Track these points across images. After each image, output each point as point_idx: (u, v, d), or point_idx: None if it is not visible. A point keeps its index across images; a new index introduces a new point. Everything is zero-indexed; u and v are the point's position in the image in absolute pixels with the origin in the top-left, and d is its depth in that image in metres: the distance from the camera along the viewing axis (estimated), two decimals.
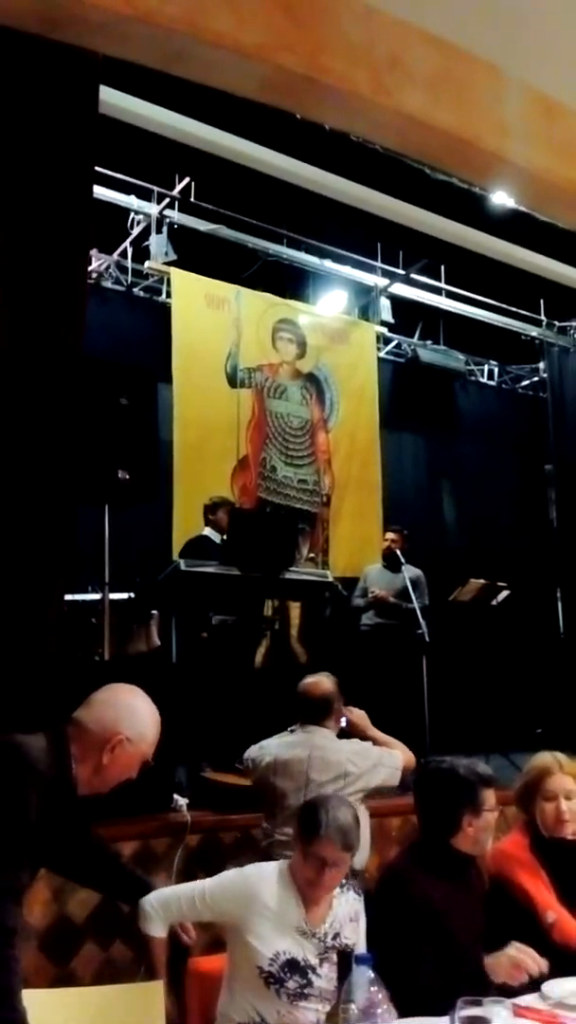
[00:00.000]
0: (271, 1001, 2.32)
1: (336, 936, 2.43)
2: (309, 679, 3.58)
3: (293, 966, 2.34)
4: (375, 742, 3.56)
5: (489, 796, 2.63)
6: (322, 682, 3.55)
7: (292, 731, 3.52)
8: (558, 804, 2.76)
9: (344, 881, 2.51)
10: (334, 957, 2.33)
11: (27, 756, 2.04)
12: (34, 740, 2.10)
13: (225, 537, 5.53)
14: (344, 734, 3.58)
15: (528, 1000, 2.17)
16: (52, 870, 2.59)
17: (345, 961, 1.71)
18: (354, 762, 3.38)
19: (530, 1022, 2.03)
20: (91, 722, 2.17)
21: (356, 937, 2.47)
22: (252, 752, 3.54)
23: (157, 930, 2.42)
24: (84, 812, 2.31)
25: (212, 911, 2.45)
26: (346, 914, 2.48)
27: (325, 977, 2.35)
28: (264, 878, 2.46)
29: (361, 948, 2.42)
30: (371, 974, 1.67)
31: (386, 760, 3.46)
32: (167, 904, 2.44)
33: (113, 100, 5.46)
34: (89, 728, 2.16)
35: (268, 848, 3.34)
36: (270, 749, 3.47)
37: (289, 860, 2.50)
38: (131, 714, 2.21)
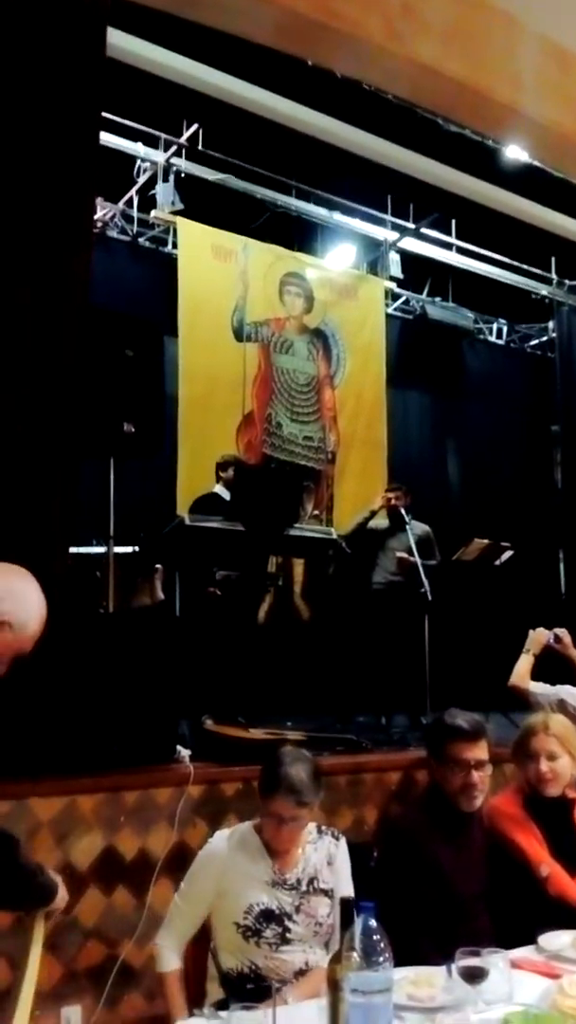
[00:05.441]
0: (254, 952, 2.39)
1: (312, 880, 2.46)
2: None
3: (268, 916, 2.39)
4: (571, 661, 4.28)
5: (458, 749, 2.71)
6: None
7: None
8: (539, 764, 2.85)
9: (323, 828, 2.58)
10: (312, 901, 2.42)
11: None
12: None
13: None
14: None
15: (524, 952, 2.22)
16: None
17: (347, 910, 1.74)
18: None
19: (527, 973, 2.07)
20: None
21: (335, 880, 2.50)
22: None
23: (173, 962, 2.44)
24: None
25: (200, 902, 2.47)
26: (321, 859, 2.51)
27: (303, 923, 2.41)
28: (227, 842, 2.50)
29: (343, 890, 2.46)
30: (373, 922, 1.69)
31: None
32: (171, 930, 2.48)
33: (120, 43, 5.34)
34: None
35: None
36: None
37: (255, 821, 2.54)
38: (15, 598, 1.93)
